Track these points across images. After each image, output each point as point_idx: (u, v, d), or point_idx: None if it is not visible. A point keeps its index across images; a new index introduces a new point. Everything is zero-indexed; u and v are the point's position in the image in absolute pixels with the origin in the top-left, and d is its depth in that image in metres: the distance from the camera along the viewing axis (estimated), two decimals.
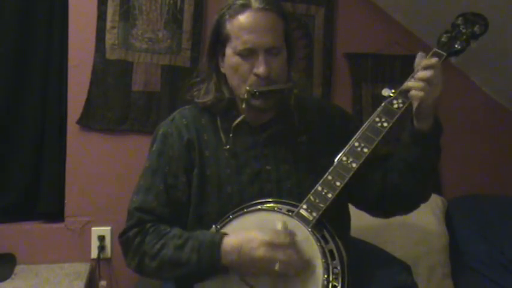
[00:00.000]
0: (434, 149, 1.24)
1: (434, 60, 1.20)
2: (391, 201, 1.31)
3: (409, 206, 1.34)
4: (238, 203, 1.23)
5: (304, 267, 1.11)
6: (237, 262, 1.12)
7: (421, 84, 1.16)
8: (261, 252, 1.09)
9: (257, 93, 1.22)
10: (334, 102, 2.16)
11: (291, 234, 1.12)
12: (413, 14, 2.20)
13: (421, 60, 1.23)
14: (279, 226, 1.13)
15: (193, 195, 1.27)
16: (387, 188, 1.29)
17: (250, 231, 1.14)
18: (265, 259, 1.09)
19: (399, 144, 1.26)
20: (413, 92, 1.17)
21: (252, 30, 1.21)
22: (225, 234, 1.16)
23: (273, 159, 1.29)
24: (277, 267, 1.08)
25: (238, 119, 1.28)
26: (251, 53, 1.21)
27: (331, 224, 1.18)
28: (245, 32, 1.21)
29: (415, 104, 1.19)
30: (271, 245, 1.09)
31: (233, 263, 1.13)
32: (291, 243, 1.11)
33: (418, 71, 1.20)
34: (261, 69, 1.20)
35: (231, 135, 1.29)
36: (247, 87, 1.22)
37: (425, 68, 1.18)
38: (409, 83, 1.19)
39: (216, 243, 1.14)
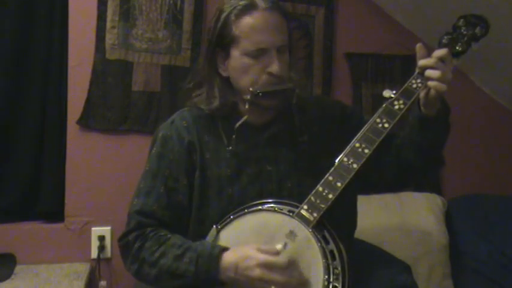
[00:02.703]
0: (444, 129, 1.25)
1: (444, 50, 1.21)
2: (407, 175, 1.34)
3: (424, 176, 1.40)
4: (240, 204, 1.22)
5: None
6: (233, 279, 1.12)
7: (435, 60, 1.17)
8: (257, 272, 1.08)
9: (260, 94, 1.22)
10: (339, 100, 2.16)
11: (290, 256, 1.11)
12: (414, 14, 2.20)
13: (422, 51, 1.23)
14: (279, 247, 1.12)
15: (195, 197, 1.27)
16: (402, 164, 1.30)
17: (249, 247, 1.12)
18: (261, 280, 1.08)
19: (407, 126, 1.27)
20: (429, 72, 1.17)
21: (263, 30, 1.21)
22: (224, 248, 1.15)
23: (273, 159, 1.29)
24: None
25: (242, 120, 1.27)
26: (262, 53, 1.22)
27: (335, 224, 1.18)
28: (256, 33, 1.21)
29: (423, 92, 1.20)
30: (268, 266, 1.08)
31: (229, 279, 1.12)
32: (289, 265, 1.09)
33: (420, 65, 1.21)
34: (274, 67, 1.21)
35: (233, 136, 1.28)
36: (251, 88, 1.22)
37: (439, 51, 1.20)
38: (423, 61, 1.20)
39: (214, 258, 1.13)
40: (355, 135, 1.22)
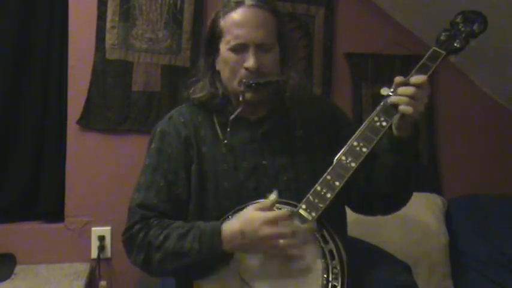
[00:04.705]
0: (414, 155, 1.24)
1: (422, 78, 1.17)
2: (371, 202, 1.32)
3: (388, 208, 1.35)
4: (236, 199, 1.23)
5: (306, 238, 1.12)
6: (240, 246, 1.13)
7: (405, 99, 1.15)
8: (265, 231, 1.09)
9: (253, 84, 1.23)
10: (334, 101, 2.16)
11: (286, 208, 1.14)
12: (413, 14, 2.20)
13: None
14: (273, 197, 1.14)
15: (192, 191, 1.28)
16: (369, 189, 1.29)
17: (247, 210, 1.15)
18: (270, 236, 1.10)
19: (378, 149, 1.25)
20: (402, 107, 1.15)
21: (243, 25, 1.24)
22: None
23: (269, 153, 1.30)
24: (282, 241, 1.09)
25: (236, 112, 1.28)
26: (243, 48, 1.24)
27: (329, 223, 1.18)
28: (237, 27, 1.25)
29: (396, 117, 1.19)
30: (272, 222, 1.10)
31: (237, 247, 1.13)
32: (290, 214, 1.12)
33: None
34: (250, 62, 1.23)
35: (228, 129, 1.29)
36: (244, 80, 1.24)
37: (413, 84, 1.16)
38: (393, 98, 1.17)
39: (216, 230, 1.15)
40: (344, 139, 1.22)
